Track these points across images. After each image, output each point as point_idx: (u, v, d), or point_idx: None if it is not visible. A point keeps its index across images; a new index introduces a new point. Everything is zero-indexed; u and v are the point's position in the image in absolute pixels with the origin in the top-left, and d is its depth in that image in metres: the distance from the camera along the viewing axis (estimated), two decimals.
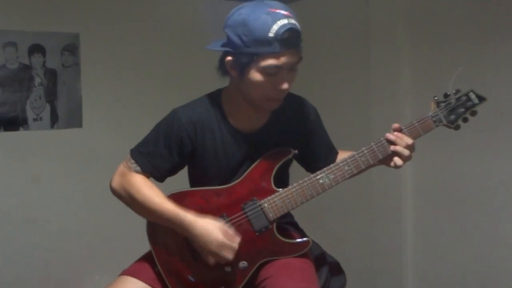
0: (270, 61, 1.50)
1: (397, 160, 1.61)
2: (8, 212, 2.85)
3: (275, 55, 1.49)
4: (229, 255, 1.57)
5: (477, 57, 2.46)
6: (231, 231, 1.59)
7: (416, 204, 2.80)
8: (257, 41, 1.47)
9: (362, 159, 1.61)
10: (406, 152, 1.60)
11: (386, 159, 1.63)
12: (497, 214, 2.47)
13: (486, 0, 2.44)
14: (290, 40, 1.49)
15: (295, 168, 1.82)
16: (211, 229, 1.56)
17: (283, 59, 1.51)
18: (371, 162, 1.62)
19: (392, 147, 1.61)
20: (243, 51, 1.50)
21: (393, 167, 1.63)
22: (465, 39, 2.52)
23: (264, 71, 1.52)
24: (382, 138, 1.62)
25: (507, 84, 2.37)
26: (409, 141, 1.61)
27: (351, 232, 3.07)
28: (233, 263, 1.61)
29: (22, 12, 2.84)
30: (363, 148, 1.61)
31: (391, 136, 1.61)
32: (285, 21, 1.47)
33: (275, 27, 1.46)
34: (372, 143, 1.62)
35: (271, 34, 1.46)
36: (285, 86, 1.55)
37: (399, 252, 2.85)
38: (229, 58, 1.55)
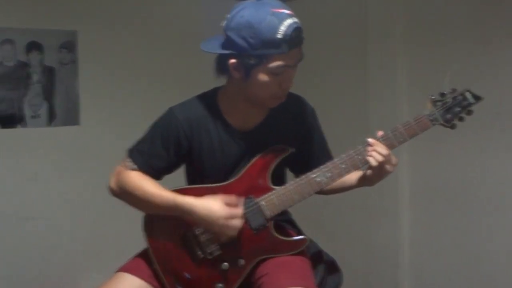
0: (278, 62, 1.50)
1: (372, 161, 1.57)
2: (4, 210, 2.85)
3: (283, 56, 1.49)
4: (238, 223, 1.56)
5: (474, 57, 2.46)
6: (229, 198, 1.58)
7: (413, 203, 2.80)
8: (265, 42, 1.47)
9: (359, 157, 1.60)
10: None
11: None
12: (493, 214, 2.47)
13: (483, 0, 2.45)
14: (296, 39, 1.49)
15: None
16: (212, 205, 1.55)
17: (290, 59, 1.51)
18: None
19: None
20: (250, 53, 1.49)
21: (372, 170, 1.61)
22: (462, 39, 2.52)
23: (271, 71, 1.52)
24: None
25: (503, 84, 2.37)
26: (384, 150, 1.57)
27: (348, 230, 3.08)
28: (230, 260, 1.62)
29: (19, 9, 2.84)
30: (359, 146, 1.61)
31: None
32: (290, 20, 1.48)
33: (282, 28, 1.46)
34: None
35: (279, 35, 1.46)
36: (290, 83, 1.57)
37: (395, 251, 2.86)
38: (233, 60, 1.54)
